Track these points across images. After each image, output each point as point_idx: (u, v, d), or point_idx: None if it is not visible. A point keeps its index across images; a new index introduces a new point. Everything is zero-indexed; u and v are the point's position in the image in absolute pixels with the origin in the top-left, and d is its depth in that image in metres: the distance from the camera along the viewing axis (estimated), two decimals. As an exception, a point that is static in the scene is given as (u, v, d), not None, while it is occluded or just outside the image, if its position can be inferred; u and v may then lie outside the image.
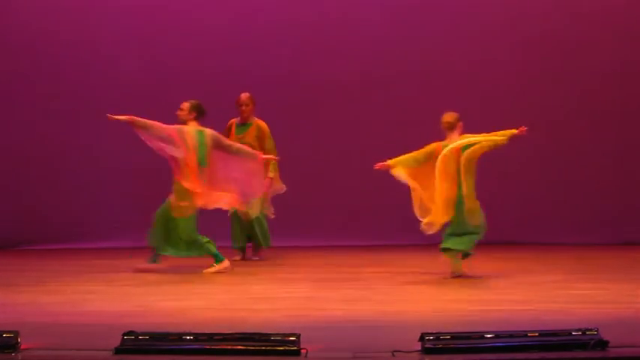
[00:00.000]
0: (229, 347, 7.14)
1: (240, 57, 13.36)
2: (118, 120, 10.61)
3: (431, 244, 12.37)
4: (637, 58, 13.28)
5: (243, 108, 11.88)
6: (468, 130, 10.52)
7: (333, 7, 13.59)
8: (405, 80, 13.41)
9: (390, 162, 10.44)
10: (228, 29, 13.53)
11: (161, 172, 12.88)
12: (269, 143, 11.77)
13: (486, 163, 12.90)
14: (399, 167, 10.45)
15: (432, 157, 10.39)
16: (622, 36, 13.37)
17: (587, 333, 7.24)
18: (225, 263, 10.89)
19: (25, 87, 13.24)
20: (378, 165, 10.45)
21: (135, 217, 12.86)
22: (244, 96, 11.89)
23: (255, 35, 13.45)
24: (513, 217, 12.90)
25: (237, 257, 11.85)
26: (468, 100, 13.07)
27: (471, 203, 10.42)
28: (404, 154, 10.39)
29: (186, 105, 10.92)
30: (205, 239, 10.87)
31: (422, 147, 10.50)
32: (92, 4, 13.54)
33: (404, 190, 12.65)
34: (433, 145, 10.45)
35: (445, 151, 10.28)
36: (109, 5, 13.54)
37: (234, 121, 11.94)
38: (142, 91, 13.19)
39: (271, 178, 11.63)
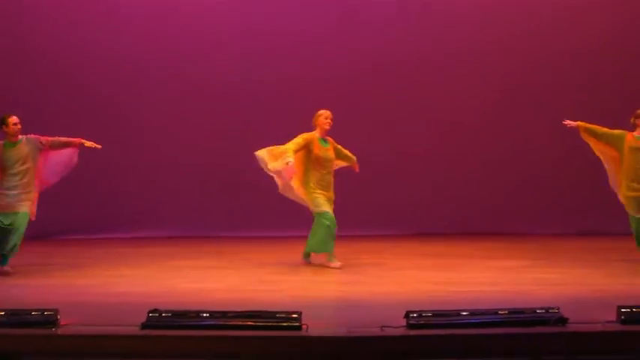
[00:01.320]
0: (240, 323, 7.13)
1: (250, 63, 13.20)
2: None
3: (416, 234, 12.43)
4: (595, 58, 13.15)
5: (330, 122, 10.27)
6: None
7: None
8: (404, 78, 13.19)
9: (580, 123, 9.91)
10: (235, 38, 13.30)
11: (185, 167, 12.95)
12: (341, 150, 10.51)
13: (460, 161, 12.95)
14: (585, 134, 9.97)
15: (616, 143, 9.82)
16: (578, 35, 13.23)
17: (550, 311, 7.24)
18: None
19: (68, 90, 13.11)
20: (568, 122, 9.92)
21: (162, 209, 12.90)
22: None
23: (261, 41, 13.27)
24: (483, 210, 12.87)
25: None
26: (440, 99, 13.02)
27: None
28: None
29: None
30: None
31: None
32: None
33: (397, 186, 12.65)
34: (623, 133, 9.87)
35: None
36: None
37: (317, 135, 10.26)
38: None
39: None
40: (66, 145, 10.05)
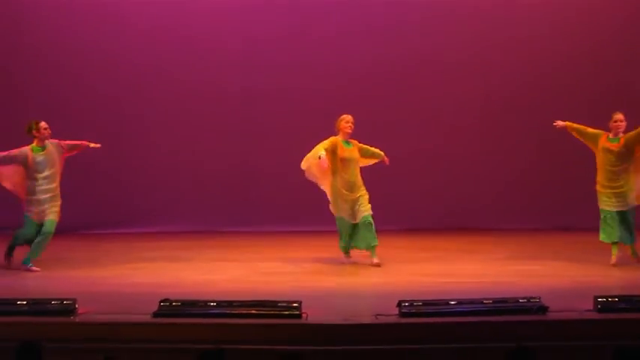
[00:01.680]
0: (245, 312, 7.16)
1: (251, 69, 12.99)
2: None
3: (407, 229, 12.41)
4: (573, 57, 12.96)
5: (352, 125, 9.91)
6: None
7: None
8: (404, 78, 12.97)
9: (567, 123, 9.76)
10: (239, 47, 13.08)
11: (194, 168, 12.88)
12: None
13: (449, 162, 12.91)
14: (573, 132, 9.80)
15: (593, 142, 9.67)
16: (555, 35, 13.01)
17: (531, 300, 7.27)
18: None
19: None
20: (557, 123, 9.76)
21: (173, 207, 12.86)
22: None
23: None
24: (470, 207, 12.82)
25: None
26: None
27: None
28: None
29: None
30: None
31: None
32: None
33: (391, 185, 12.57)
34: (599, 133, 9.67)
35: None
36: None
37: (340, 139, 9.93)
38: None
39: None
40: (75, 147, 9.99)
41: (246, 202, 12.94)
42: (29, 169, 9.64)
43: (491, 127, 12.93)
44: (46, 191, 9.64)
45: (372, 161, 10.26)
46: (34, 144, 9.68)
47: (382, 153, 10.20)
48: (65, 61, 12.93)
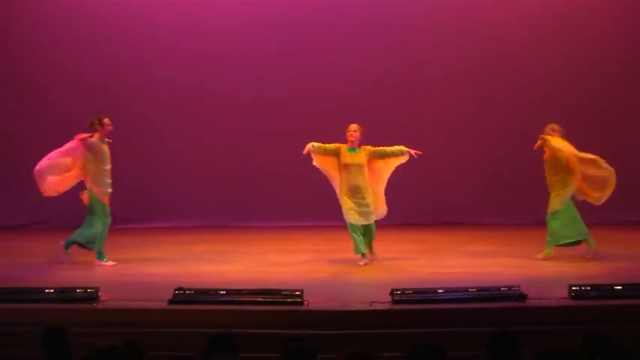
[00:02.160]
0: (251, 299, 7.17)
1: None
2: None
3: (399, 224, 12.37)
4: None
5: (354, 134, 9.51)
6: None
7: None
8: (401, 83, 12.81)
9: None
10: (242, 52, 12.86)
11: (207, 167, 12.83)
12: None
13: (439, 161, 12.83)
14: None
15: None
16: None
17: (512, 289, 7.28)
18: None
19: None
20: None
21: (186, 203, 12.83)
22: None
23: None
24: (457, 204, 12.79)
25: None
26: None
27: None
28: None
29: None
30: None
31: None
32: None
33: (389, 180, 12.51)
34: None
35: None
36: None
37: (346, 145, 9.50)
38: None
39: None
40: None
41: (252, 199, 12.91)
42: (98, 160, 9.31)
43: (478, 129, 12.87)
44: (110, 185, 9.45)
45: (397, 161, 9.57)
46: (95, 137, 9.29)
47: (404, 148, 9.51)
48: (83, 62, 12.79)
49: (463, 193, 12.77)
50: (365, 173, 9.46)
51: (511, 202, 12.73)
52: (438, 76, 12.78)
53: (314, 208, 12.13)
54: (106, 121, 9.39)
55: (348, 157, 9.45)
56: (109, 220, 9.47)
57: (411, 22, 12.77)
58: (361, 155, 9.45)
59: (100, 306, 7.20)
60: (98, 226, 9.35)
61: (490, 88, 12.81)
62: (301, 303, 7.07)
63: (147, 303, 7.19)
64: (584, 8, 12.84)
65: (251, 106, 12.75)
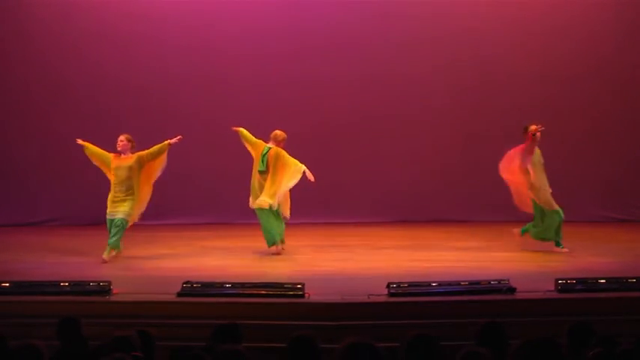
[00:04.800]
0: (255, 292, 7.19)
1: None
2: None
3: (395, 221, 12.37)
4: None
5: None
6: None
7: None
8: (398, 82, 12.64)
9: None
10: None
11: (213, 167, 12.77)
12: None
13: (434, 162, 12.81)
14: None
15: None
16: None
17: (502, 282, 7.31)
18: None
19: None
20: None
21: (193, 201, 12.81)
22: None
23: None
24: (450, 201, 12.76)
25: None
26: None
27: None
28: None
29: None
30: None
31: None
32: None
33: (382, 182, 12.49)
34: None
35: None
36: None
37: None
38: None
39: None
40: None
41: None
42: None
43: (468, 131, 12.83)
44: None
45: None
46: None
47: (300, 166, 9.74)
48: (88, 62, 12.66)
49: (456, 192, 12.75)
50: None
51: (500, 200, 12.70)
52: (431, 76, 12.62)
53: (315, 206, 12.12)
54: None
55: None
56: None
57: (409, 24, 12.65)
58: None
59: (112, 298, 7.22)
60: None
61: (482, 90, 12.68)
62: (302, 295, 7.09)
63: (156, 295, 7.21)
64: (576, 9, 12.65)
65: (256, 106, 12.66)
